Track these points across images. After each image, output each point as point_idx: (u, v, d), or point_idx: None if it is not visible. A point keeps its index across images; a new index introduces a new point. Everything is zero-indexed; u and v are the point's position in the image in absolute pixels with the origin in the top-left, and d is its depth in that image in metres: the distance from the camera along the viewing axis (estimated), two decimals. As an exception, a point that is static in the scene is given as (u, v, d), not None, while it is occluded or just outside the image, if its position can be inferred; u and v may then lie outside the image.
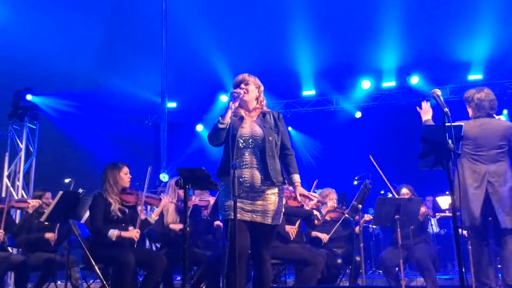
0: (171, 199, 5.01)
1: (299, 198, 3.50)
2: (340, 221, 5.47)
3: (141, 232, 5.27)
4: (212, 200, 5.20)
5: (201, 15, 8.73)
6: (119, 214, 4.44)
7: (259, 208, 3.34)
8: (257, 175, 3.34)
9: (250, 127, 3.42)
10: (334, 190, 5.65)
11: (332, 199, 5.47)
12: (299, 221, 5.19)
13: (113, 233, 4.36)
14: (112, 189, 4.47)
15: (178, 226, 4.94)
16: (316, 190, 5.74)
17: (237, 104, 3.39)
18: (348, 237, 5.57)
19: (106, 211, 4.41)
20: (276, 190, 3.40)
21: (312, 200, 3.67)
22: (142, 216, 4.65)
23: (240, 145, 3.36)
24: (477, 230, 3.98)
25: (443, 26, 8.92)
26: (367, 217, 5.60)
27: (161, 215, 5.02)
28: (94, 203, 4.44)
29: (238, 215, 3.19)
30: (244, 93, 3.42)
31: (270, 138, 3.39)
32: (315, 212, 5.04)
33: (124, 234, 4.43)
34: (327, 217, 5.49)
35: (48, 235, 5.11)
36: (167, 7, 8.81)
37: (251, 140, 3.38)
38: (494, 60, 9.28)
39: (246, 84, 3.46)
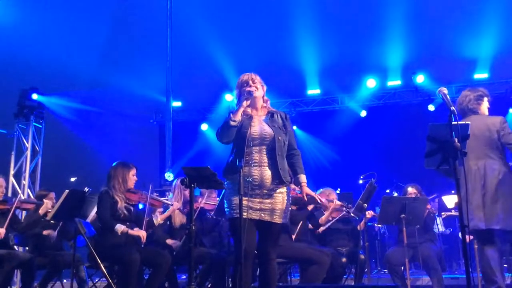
0: (178, 201, 5.03)
1: (305, 197, 3.52)
2: (338, 217, 5.45)
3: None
4: None
5: (206, 14, 8.74)
6: (125, 212, 4.47)
7: (267, 207, 3.35)
8: (267, 174, 3.35)
9: (259, 126, 3.43)
10: (333, 189, 5.64)
11: (332, 199, 5.44)
12: (302, 221, 5.19)
13: (120, 228, 4.40)
14: (120, 187, 4.52)
15: (172, 242, 5.02)
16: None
17: (249, 102, 3.41)
18: (352, 236, 5.56)
19: (113, 209, 4.45)
20: (284, 189, 3.42)
21: (317, 201, 3.68)
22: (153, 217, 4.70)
23: (250, 143, 3.37)
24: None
25: (449, 24, 8.88)
26: (369, 214, 5.57)
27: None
28: (102, 199, 4.47)
29: (245, 213, 3.22)
30: (256, 90, 3.44)
31: (280, 137, 3.41)
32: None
33: (132, 232, 4.46)
34: (333, 216, 5.48)
35: (47, 232, 5.08)
36: (172, 6, 8.82)
37: (260, 139, 3.39)
38: (500, 58, 9.23)
39: (254, 82, 3.48)
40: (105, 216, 4.44)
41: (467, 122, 3.41)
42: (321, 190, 5.61)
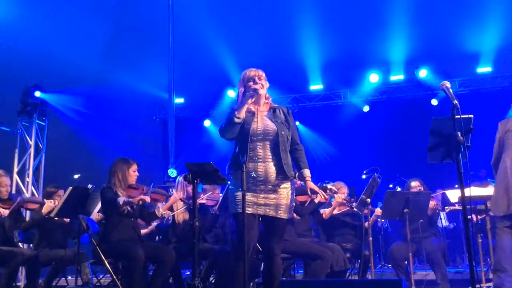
0: (181, 196, 5.03)
1: (309, 192, 3.52)
2: (343, 211, 5.45)
3: (147, 224, 5.31)
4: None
5: (208, 10, 8.71)
6: (128, 208, 4.46)
7: (272, 202, 3.36)
8: (271, 169, 3.36)
9: (262, 122, 3.43)
10: (345, 184, 5.64)
11: (343, 193, 5.45)
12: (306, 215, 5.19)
13: (121, 200, 4.31)
14: (120, 184, 4.49)
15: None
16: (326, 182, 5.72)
17: (254, 99, 3.39)
18: (357, 231, 5.56)
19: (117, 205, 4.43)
20: (289, 184, 3.43)
21: (321, 196, 3.68)
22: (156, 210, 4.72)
23: (253, 139, 3.38)
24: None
25: (452, 18, 8.83)
26: (378, 211, 5.57)
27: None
28: (104, 193, 4.45)
29: (251, 209, 3.25)
30: (261, 87, 3.43)
31: (283, 132, 3.42)
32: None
33: (135, 199, 4.33)
34: (336, 211, 5.47)
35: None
36: (173, 2, 8.80)
37: (263, 134, 3.40)
38: (504, 52, 9.19)
39: (260, 79, 3.47)
40: (108, 197, 4.35)
41: (470, 116, 3.40)
42: (332, 183, 5.61)
